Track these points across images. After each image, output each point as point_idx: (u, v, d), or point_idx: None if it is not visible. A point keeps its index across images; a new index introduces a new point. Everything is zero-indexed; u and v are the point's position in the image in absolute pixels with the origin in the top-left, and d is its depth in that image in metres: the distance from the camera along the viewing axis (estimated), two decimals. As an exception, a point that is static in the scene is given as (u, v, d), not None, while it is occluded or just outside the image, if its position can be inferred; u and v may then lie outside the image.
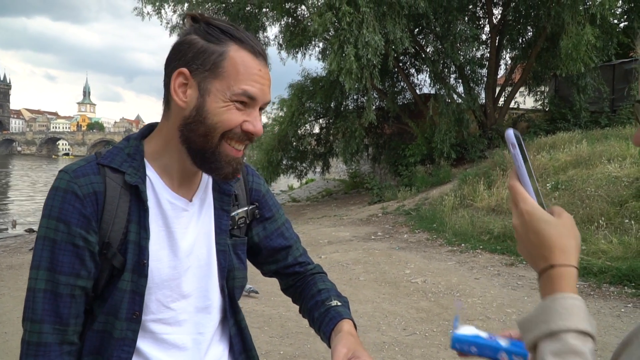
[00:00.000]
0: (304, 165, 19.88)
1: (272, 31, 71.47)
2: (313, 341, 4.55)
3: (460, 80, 16.36)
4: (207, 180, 1.18)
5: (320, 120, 19.93)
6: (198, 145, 1.04)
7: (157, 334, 1.09)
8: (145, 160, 1.09)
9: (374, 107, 15.00)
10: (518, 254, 7.37)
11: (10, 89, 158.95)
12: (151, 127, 1.16)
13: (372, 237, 9.74)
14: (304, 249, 1.37)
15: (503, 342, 0.89)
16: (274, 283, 1.44)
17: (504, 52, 17.24)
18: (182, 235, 1.11)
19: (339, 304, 1.20)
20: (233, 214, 1.20)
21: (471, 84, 16.10)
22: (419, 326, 4.90)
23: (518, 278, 6.50)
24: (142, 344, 1.08)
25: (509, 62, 18.03)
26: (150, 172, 1.09)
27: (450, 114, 14.46)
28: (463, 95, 15.72)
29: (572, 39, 11.92)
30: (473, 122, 15.71)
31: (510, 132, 0.82)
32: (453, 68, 16.07)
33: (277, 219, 1.31)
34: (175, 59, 1.05)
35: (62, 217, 0.99)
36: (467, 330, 0.93)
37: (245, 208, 1.23)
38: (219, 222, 1.17)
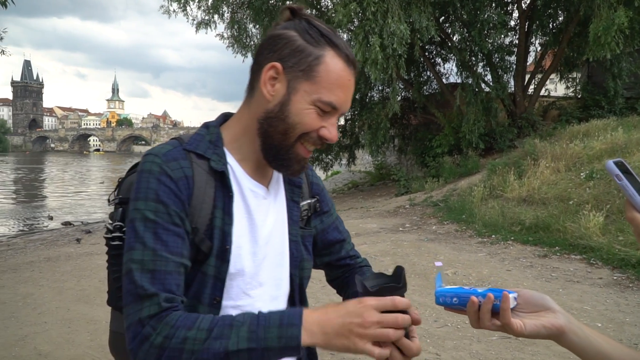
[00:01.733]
0: (329, 157, 19.83)
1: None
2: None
3: (488, 69, 16.01)
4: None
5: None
6: (274, 141, 1.06)
7: None
8: (225, 149, 1.11)
9: (399, 97, 14.83)
10: (551, 245, 7.20)
11: (43, 87, 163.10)
12: (226, 117, 1.18)
13: (400, 228, 9.66)
14: (353, 243, 1.40)
15: (480, 289, 0.94)
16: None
17: (534, 38, 16.79)
18: (262, 223, 1.13)
19: None
20: (300, 205, 1.23)
21: (499, 72, 15.74)
22: (450, 318, 4.83)
23: (552, 270, 6.35)
24: None
25: (539, 48, 17.61)
26: (231, 160, 1.11)
27: (478, 103, 14.19)
28: (491, 83, 15.38)
29: (602, 22, 11.48)
30: (502, 111, 15.39)
31: (610, 165, 0.77)
32: (480, 56, 15.73)
33: (332, 213, 1.34)
34: (270, 51, 1.05)
35: (160, 198, 0.99)
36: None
37: (309, 201, 1.26)
38: (291, 212, 1.20)
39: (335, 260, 1.35)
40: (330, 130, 1.05)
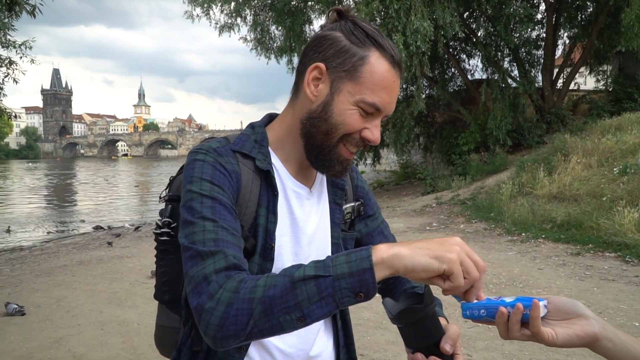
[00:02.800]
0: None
1: (318, 24, 71.35)
2: (372, 333, 4.50)
3: (515, 63, 15.74)
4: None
5: (369, 111, 19.72)
6: (317, 142, 1.05)
7: None
8: (269, 149, 1.12)
9: (423, 95, 14.69)
10: (584, 243, 7.02)
11: (71, 95, 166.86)
12: (271, 117, 1.19)
13: (427, 227, 9.56)
14: None
15: (508, 299, 0.89)
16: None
17: (562, 31, 16.41)
18: (305, 223, 1.13)
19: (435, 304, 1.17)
20: (343, 207, 1.22)
21: (527, 67, 15.46)
22: (481, 318, 4.74)
23: (585, 268, 6.18)
24: None
25: (567, 41, 17.21)
26: (275, 160, 1.11)
27: (505, 99, 13.96)
28: (518, 78, 15.11)
29: (634, 11, 11.16)
30: (529, 107, 15.09)
31: None
32: (506, 51, 15.47)
33: (378, 217, 1.32)
34: (315, 52, 1.05)
35: (216, 181, 0.99)
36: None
37: (352, 204, 1.25)
38: (333, 215, 1.19)
39: None
40: (373, 132, 1.04)
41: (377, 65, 1.00)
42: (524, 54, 15.39)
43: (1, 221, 16.94)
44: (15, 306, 5.49)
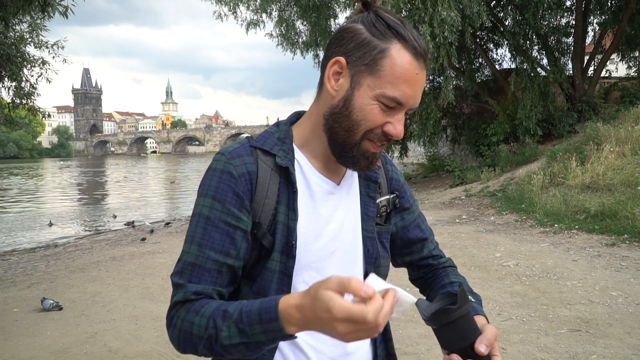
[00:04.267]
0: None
1: (344, 18, 71.19)
2: (404, 327, 4.47)
3: (544, 52, 15.36)
4: None
5: (395, 104, 19.56)
6: (340, 138, 1.04)
7: None
8: (294, 145, 1.11)
9: (451, 86, 14.47)
10: (619, 233, 6.83)
11: (101, 94, 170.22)
12: (298, 115, 1.18)
13: (457, 220, 9.44)
14: (436, 242, 1.35)
15: None
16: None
17: (592, 17, 15.94)
18: (329, 218, 1.11)
19: (472, 299, 1.14)
20: (377, 201, 1.19)
21: (556, 55, 15.07)
22: (515, 311, 4.66)
23: (621, 259, 6.02)
24: None
25: (597, 28, 16.70)
26: (299, 156, 1.11)
27: (535, 88, 13.64)
28: (548, 67, 14.73)
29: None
30: (560, 95, 14.73)
31: None
32: (535, 39, 15.11)
33: (414, 211, 1.29)
34: (337, 45, 1.03)
35: (218, 195, 1.03)
36: None
37: (387, 197, 1.23)
38: (366, 208, 1.17)
39: (417, 259, 1.30)
40: (396, 127, 1.01)
41: (398, 57, 0.97)
42: (554, 41, 15.02)
43: (40, 217, 17.46)
44: (52, 301, 5.65)
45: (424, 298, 1.24)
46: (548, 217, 8.28)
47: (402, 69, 0.97)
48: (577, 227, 7.53)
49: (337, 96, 1.02)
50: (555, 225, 7.86)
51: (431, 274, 1.30)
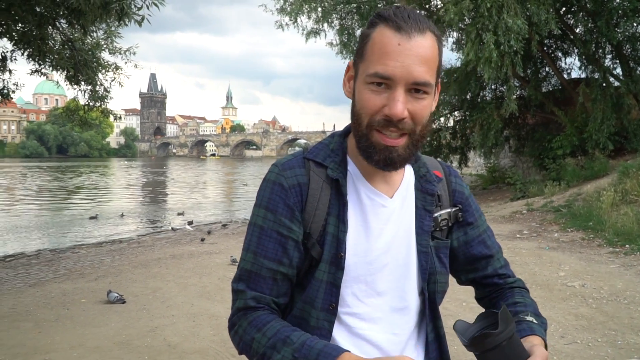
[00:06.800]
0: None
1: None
2: (459, 342, 4.33)
3: (618, 61, 14.59)
4: (409, 179, 1.15)
5: (455, 113, 19.19)
6: (356, 135, 1.05)
7: (352, 328, 1.08)
8: (348, 157, 1.12)
9: (514, 96, 14.01)
10: (700, 258, 6.35)
11: (166, 98, 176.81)
12: None
13: (518, 235, 9.10)
14: (505, 260, 1.26)
15: None
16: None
17: (672, 25, 14.99)
18: (380, 231, 1.09)
19: (535, 322, 1.07)
20: (436, 215, 1.15)
21: (631, 64, 14.26)
22: (580, 334, 4.42)
23: (702, 285, 5.59)
24: (338, 335, 1.08)
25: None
26: (352, 168, 1.11)
27: (607, 100, 13.00)
28: (622, 77, 13.99)
29: None
30: (635, 107, 13.90)
31: None
32: (608, 48, 14.39)
33: (480, 225, 1.22)
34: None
35: (270, 206, 1.07)
36: None
37: (448, 210, 1.18)
38: (421, 222, 1.13)
39: (481, 277, 1.23)
40: (391, 106, 0.95)
41: (377, 36, 0.97)
42: (629, 50, 14.22)
43: (110, 212, 18.32)
44: (117, 295, 5.90)
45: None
46: (619, 236, 7.83)
47: (381, 43, 0.96)
48: (651, 248, 7.08)
49: (352, 98, 1.05)
50: (627, 245, 7.41)
51: (496, 294, 1.23)
